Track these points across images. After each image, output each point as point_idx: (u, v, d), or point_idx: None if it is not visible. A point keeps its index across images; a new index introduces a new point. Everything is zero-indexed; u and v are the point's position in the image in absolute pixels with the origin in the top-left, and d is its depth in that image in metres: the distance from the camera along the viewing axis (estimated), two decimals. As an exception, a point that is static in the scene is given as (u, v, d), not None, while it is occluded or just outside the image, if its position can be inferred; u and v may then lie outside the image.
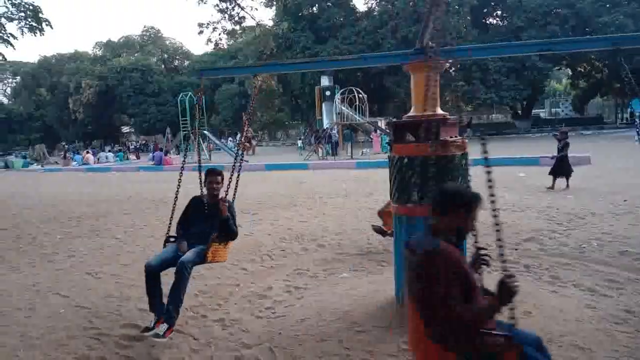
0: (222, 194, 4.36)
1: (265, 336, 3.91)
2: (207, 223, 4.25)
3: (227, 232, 4.22)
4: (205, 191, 4.49)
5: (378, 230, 6.39)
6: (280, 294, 4.94)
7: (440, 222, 2.39)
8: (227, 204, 4.23)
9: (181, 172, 4.56)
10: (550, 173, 10.87)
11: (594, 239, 6.27)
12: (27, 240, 8.18)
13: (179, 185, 4.53)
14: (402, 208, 4.16)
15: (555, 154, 11.03)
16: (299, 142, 36.46)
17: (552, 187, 10.69)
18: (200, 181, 4.54)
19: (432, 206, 2.44)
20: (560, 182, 10.75)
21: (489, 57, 31.93)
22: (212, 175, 4.42)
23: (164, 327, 3.73)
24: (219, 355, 3.64)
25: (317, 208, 10.11)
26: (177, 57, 64.25)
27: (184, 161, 4.69)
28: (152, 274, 3.99)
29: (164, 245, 4.39)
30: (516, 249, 6.12)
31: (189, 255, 4.01)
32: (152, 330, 3.77)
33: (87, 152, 36.21)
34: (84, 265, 6.45)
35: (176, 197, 4.50)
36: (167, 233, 4.46)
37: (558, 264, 5.39)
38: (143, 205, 11.81)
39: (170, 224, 4.51)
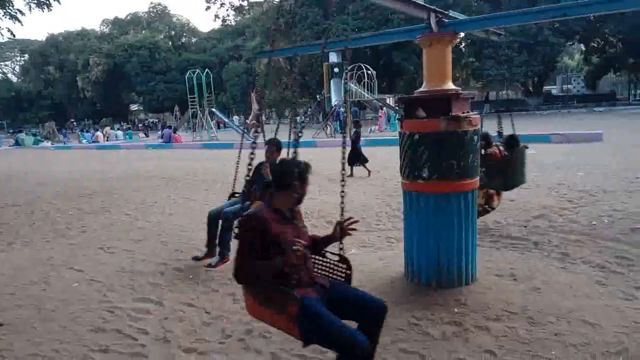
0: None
1: (275, 310, 3.97)
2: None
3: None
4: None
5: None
6: (290, 269, 4.99)
7: None
8: (268, 169, 4.75)
9: (240, 147, 5.08)
10: (348, 163, 11.11)
11: (605, 216, 6.23)
12: (40, 216, 8.30)
13: (238, 158, 4.96)
14: (412, 184, 4.15)
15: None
16: (298, 119, 36.55)
17: (351, 175, 11.06)
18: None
19: None
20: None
21: (501, 29, 31.29)
22: (268, 145, 5.18)
23: (217, 258, 4.96)
24: (230, 328, 3.70)
25: (324, 185, 10.12)
26: (185, 34, 63.77)
27: (242, 136, 5.47)
28: (210, 217, 5.11)
29: (228, 199, 5.33)
30: (525, 226, 6.11)
31: (231, 207, 4.98)
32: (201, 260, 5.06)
33: (97, 131, 36.53)
34: (97, 240, 6.54)
35: (237, 163, 5.02)
36: (232, 189, 5.34)
37: (568, 240, 5.37)
38: (153, 182, 11.88)
39: (233, 183, 5.26)
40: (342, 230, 2.83)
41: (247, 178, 5.17)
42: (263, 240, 2.52)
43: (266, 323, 2.71)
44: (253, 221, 2.56)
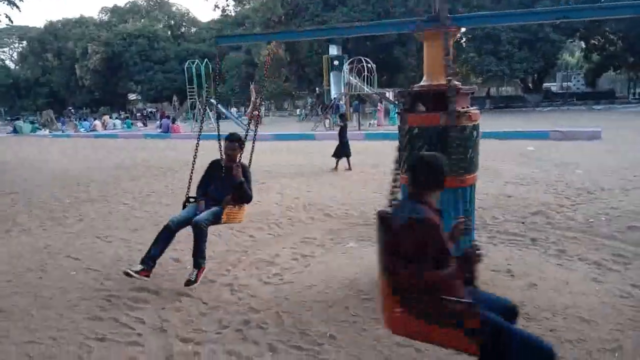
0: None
1: (272, 301, 3.98)
2: (224, 186, 4.51)
3: (241, 195, 4.46)
4: (224, 156, 4.70)
5: None
6: (287, 261, 5.00)
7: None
8: (240, 168, 4.42)
9: (198, 139, 4.84)
10: (332, 155, 11.34)
11: (602, 214, 6.25)
12: (38, 204, 8.28)
13: (196, 150, 4.76)
14: (411, 178, 4.14)
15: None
16: (297, 111, 37.09)
17: (335, 169, 11.15)
18: (220, 147, 4.80)
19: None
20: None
21: (502, 25, 31.27)
22: (231, 141, 4.56)
23: (194, 272, 4.19)
24: (227, 318, 3.71)
25: (324, 178, 10.13)
26: (184, 23, 63.39)
27: (200, 128, 5.05)
28: (170, 229, 4.32)
29: (184, 206, 4.66)
30: (523, 222, 6.12)
31: (203, 215, 4.31)
32: (133, 276, 4.10)
33: (96, 120, 36.39)
34: (94, 229, 6.53)
35: (194, 161, 4.81)
36: (187, 194, 4.72)
37: (565, 237, 5.39)
38: (151, 172, 11.86)
39: (189, 186, 4.75)
40: (458, 231, 2.62)
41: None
42: (433, 247, 2.26)
43: (419, 340, 2.48)
44: (427, 225, 2.28)
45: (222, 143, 4.71)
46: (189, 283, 4.14)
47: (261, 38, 4.75)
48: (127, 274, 4.08)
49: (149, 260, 4.21)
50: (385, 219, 2.41)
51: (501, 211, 6.64)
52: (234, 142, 4.54)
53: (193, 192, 4.76)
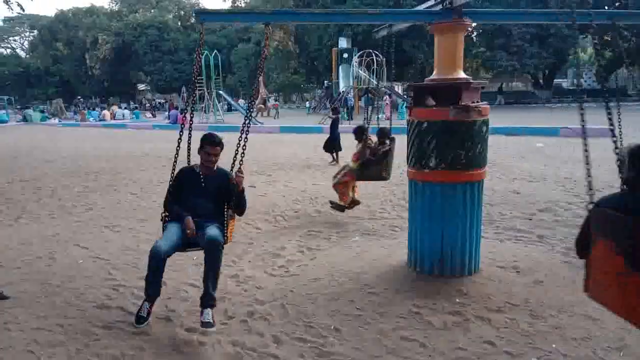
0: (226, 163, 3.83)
1: (278, 293, 4.00)
2: (204, 197, 3.70)
3: (242, 207, 3.74)
4: (203, 162, 3.79)
5: (337, 208, 6.26)
6: (293, 253, 5.02)
7: None
8: (242, 175, 3.61)
9: (180, 135, 3.71)
10: (327, 151, 11.42)
11: (611, 212, 6.18)
12: (47, 193, 8.36)
13: (177, 154, 3.74)
14: (418, 173, 4.13)
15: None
16: (307, 103, 37.48)
17: (336, 161, 11.15)
18: (189, 150, 3.93)
19: None
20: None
21: (514, 23, 30.94)
22: (211, 146, 3.68)
23: (209, 312, 3.31)
24: (233, 309, 3.74)
25: (330, 171, 10.10)
26: (194, 14, 63.33)
27: (183, 124, 3.77)
28: (161, 260, 3.42)
29: (164, 227, 3.70)
30: (530, 219, 6.09)
31: (214, 231, 3.49)
32: (145, 322, 3.44)
33: (104, 109, 36.61)
34: (102, 218, 6.59)
35: (174, 166, 3.79)
36: (165, 212, 3.77)
37: (572, 235, 5.31)
38: (159, 162, 11.90)
39: (167, 199, 3.80)
40: None
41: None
42: None
43: None
44: None
45: (191, 145, 3.86)
46: (208, 325, 3.25)
47: (253, 17, 4.59)
48: (141, 321, 3.44)
49: (154, 293, 3.52)
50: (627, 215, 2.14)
51: (509, 207, 6.61)
52: (217, 147, 3.69)
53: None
